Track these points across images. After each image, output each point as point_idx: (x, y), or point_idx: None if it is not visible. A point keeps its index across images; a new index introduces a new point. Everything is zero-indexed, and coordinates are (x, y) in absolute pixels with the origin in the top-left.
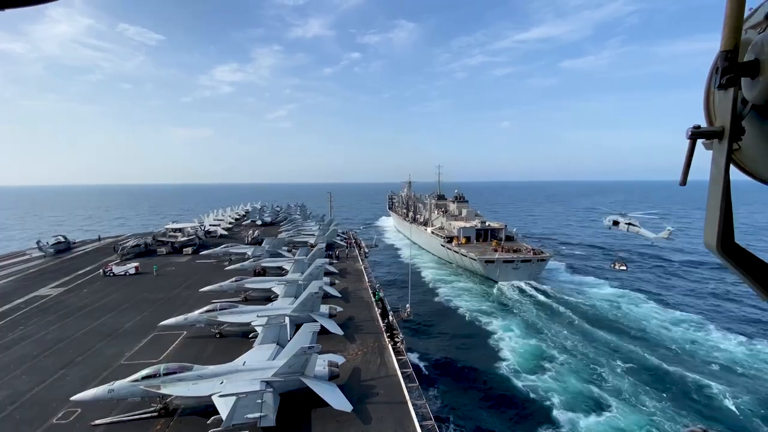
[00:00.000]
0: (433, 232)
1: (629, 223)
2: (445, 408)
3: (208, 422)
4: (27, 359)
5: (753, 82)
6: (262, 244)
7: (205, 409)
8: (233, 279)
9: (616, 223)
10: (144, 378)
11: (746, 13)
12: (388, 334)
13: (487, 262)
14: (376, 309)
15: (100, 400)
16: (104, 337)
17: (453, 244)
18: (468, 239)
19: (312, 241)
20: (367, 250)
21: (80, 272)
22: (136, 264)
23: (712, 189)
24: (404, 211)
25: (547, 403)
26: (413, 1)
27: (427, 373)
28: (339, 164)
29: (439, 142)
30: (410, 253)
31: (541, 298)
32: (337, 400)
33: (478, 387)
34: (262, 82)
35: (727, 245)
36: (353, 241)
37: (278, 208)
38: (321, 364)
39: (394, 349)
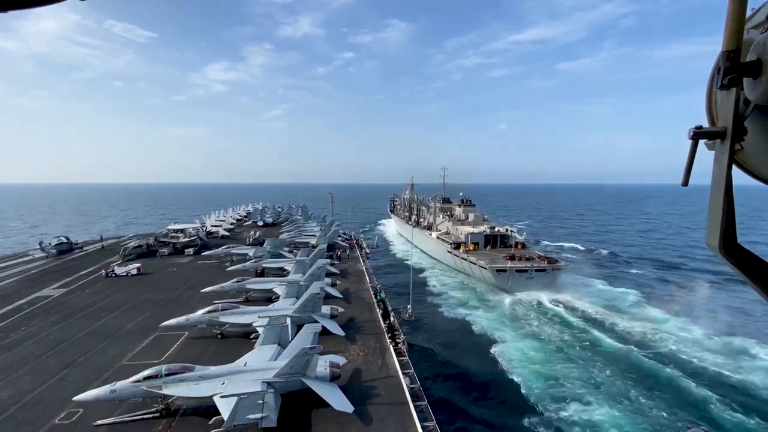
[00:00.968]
0: (438, 237)
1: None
2: (447, 409)
3: (210, 423)
4: (29, 360)
5: (755, 82)
6: (264, 245)
7: (206, 409)
8: (235, 280)
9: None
10: (146, 378)
11: (748, 13)
12: (390, 335)
13: (499, 271)
14: (378, 310)
15: (102, 400)
16: (106, 337)
17: (461, 250)
18: (476, 245)
19: (313, 241)
20: (368, 251)
21: (82, 273)
22: (138, 265)
23: (714, 190)
24: (407, 214)
25: (552, 410)
26: (404, 1)
27: (428, 374)
28: (338, 165)
29: (437, 144)
30: (411, 254)
31: (558, 309)
32: (338, 400)
33: (480, 388)
34: (255, 81)
35: (730, 246)
36: (354, 241)
37: (280, 209)
38: (322, 364)
39: (395, 350)
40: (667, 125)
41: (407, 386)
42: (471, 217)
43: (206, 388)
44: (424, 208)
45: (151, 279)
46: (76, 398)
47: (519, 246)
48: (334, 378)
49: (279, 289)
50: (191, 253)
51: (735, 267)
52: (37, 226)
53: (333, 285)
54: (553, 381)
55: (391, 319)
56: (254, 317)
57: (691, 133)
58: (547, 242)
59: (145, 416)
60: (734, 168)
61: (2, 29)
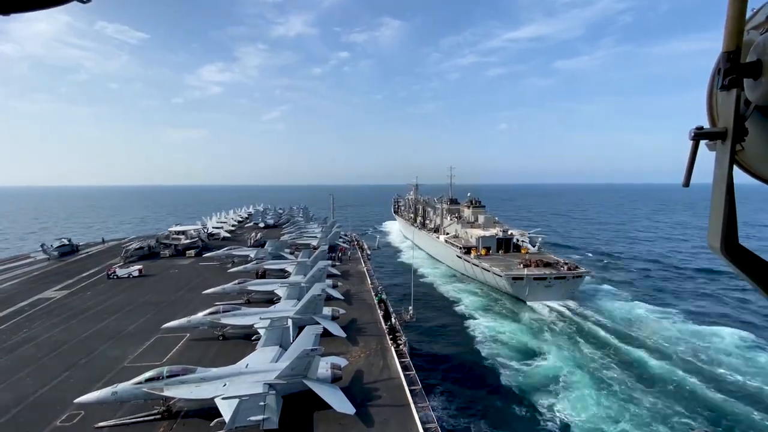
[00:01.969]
0: (446, 241)
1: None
2: (448, 411)
3: (211, 425)
4: (31, 362)
5: (756, 83)
6: (265, 247)
7: (208, 411)
8: (236, 281)
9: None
10: (147, 380)
11: (748, 14)
12: (391, 336)
13: (515, 279)
14: (379, 311)
15: (103, 402)
16: (107, 339)
17: (471, 255)
18: (488, 250)
19: (314, 243)
20: (369, 252)
21: (84, 275)
22: (139, 266)
23: (716, 190)
24: (411, 215)
25: (554, 407)
26: None
27: (430, 375)
28: (339, 166)
29: (438, 144)
30: (413, 254)
31: (578, 320)
32: (339, 402)
33: (482, 391)
34: (251, 82)
35: (731, 247)
36: (356, 243)
37: (281, 211)
38: (324, 366)
39: (396, 351)
40: (676, 122)
41: (408, 388)
42: (481, 219)
43: (208, 389)
44: (430, 209)
45: (152, 281)
46: (77, 400)
47: (527, 250)
48: (335, 379)
49: (280, 291)
50: (192, 255)
51: (736, 267)
52: (47, 228)
53: (334, 286)
54: (562, 388)
55: (393, 320)
56: (255, 319)
57: (692, 134)
58: (564, 247)
59: (146, 418)
60: (735, 169)
61: None
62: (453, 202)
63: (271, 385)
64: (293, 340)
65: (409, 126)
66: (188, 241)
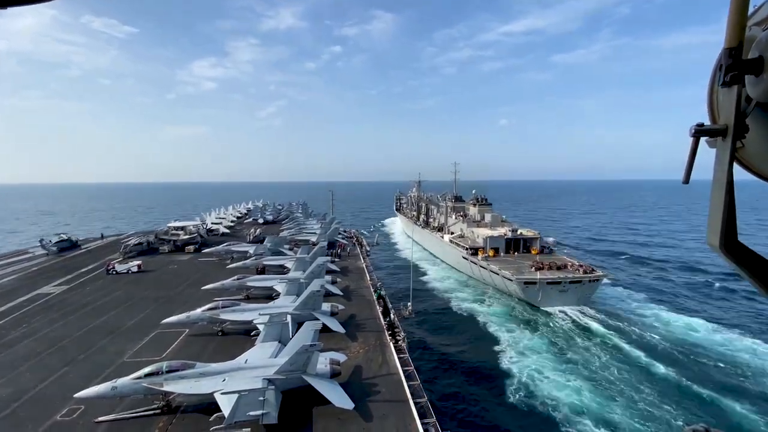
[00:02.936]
0: (451, 241)
1: None
2: (447, 406)
3: (211, 419)
4: (30, 357)
5: (757, 79)
6: (264, 243)
7: (207, 406)
8: (235, 277)
9: None
10: (146, 375)
11: (750, 10)
12: (390, 332)
13: (528, 283)
14: (378, 307)
15: (103, 397)
16: (107, 334)
17: (479, 257)
18: (496, 251)
19: (314, 239)
20: (368, 248)
21: (83, 270)
22: (138, 262)
23: (716, 187)
24: (414, 213)
25: (554, 407)
26: None
27: (428, 371)
28: (337, 162)
29: (438, 140)
30: (412, 251)
31: (597, 327)
32: (338, 397)
33: (481, 386)
34: (245, 77)
35: (731, 244)
36: (355, 239)
37: (280, 207)
38: (323, 362)
39: (395, 347)
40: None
41: (407, 383)
42: (488, 217)
43: (207, 385)
44: (433, 207)
45: (151, 276)
46: (77, 395)
47: (537, 251)
48: (334, 375)
49: (279, 287)
50: (192, 251)
51: (736, 264)
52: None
53: (333, 282)
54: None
55: (392, 316)
56: (255, 314)
57: (693, 131)
58: (578, 248)
59: (145, 413)
60: (735, 166)
61: None
62: (458, 199)
63: (270, 381)
64: (292, 336)
65: (408, 122)
66: (187, 236)
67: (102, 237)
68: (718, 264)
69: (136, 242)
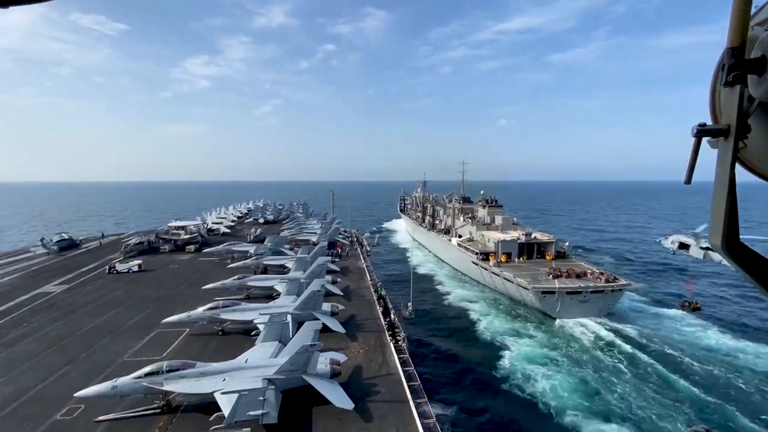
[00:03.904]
0: (460, 245)
1: (706, 247)
2: (447, 406)
3: (211, 419)
4: (31, 356)
5: (760, 79)
6: (265, 242)
7: (207, 405)
8: (236, 277)
9: (684, 246)
10: (147, 375)
11: (753, 10)
12: (390, 332)
13: (545, 293)
14: (378, 307)
15: (103, 396)
16: (107, 334)
17: (490, 262)
18: (508, 256)
19: (314, 239)
20: (368, 249)
21: (83, 269)
22: (139, 261)
23: (718, 188)
24: (419, 214)
25: (555, 409)
26: None
27: (429, 371)
28: (337, 162)
29: (437, 140)
30: (411, 249)
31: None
32: (338, 397)
33: (481, 386)
34: (239, 75)
35: (732, 244)
36: (355, 239)
37: (280, 206)
38: (323, 362)
39: (395, 347)
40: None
41: (407, 383)
42: (498, 220)
43: (207, 384)
44: (440, 208)
45: (152, 276)
46: (77, 394)
47: (559, 256)
48: (334, 375)
49: (280, 287)
50: (192, 250)
51: (738, 265)
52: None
53: (334, 282)
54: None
55: (392, 316)
56: (255, 314)
57: (695, 131)
58: (592, 252)
59: (146, 412)
60: (737, 166)
61: None
62: (466, 200)
63: (270, 380)
64: (293, 336)
65: (407, 122)
66: (188, 236)
67: (103, 236)
68: None
69: (137, 242)
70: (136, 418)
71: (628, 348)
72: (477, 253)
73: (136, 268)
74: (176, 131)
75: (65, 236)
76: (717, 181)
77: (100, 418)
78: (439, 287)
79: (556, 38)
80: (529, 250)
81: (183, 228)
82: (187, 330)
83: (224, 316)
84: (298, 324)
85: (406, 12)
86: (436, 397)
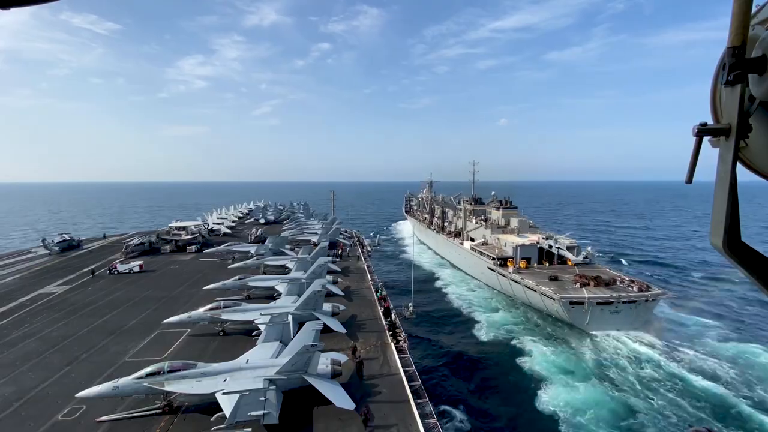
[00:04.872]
0: (473, 249)
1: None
2: (448, 407)
3: (212, 419)
4: (32, 356)
5: (760, 78)
6: (265, 243)
7: (208, 406)
8: (236, 277)
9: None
10: (148, 375)
11: (753, 9)
12: (391, 332)
13: (574, 303)
14: (379, 308)
15: (104, 396)
16: (109, 334)
17: (509, 269)
18: (527, 261)
19: (315, 239)
20: (369, 249)
21: (85, 270)
22: (140, 262)
23: (719, 187)
24: (425, 216)
25: (560, 411)
26: None
27: (429, 371)
28: (341, 162)
29: (437, 140)
30: (413, 248)
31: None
32: (339, 398)
33: (481, 386)
34: (235, 75)
35: (734, 244)
36: (356, 239)
37: (281, 207)
38: (324, 362)
39: (396, 347)
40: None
41: (408, 383)
42: (514, 222)
43: (208, 385)
44: (449, 210)
45: (153, 276)
46: (79, 395)
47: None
48: (335, 375)
49: (281, 287)
50: (193, 251)
51: (739, 265)
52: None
53: (334, 283)
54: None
55: (393, 316)
56: (256, 315)
57: (696, 130)
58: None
59: (147, 413)
60: (739, 166)
61: None
62: (477, 202)
63: (271, 381)
64: (293, 336)
65: (406, 121)
66: (189, 236)
67: (104, 237)
68: None
69: (138, 242)
70: (138, 418)
71: (664, 363)
72: (493, 259)
73: (137, 269)
74: (175, 132)
75: (66, 237)
76: (718, 181)
77: (102, 418)
78: (440, 287)
79: (554, 36)
80: (549, 255)
81: (184, 228)
82: (188, 330)
83: (225, 316)
84: (299, 324)
85: (399, 8)
86: (438, 397)
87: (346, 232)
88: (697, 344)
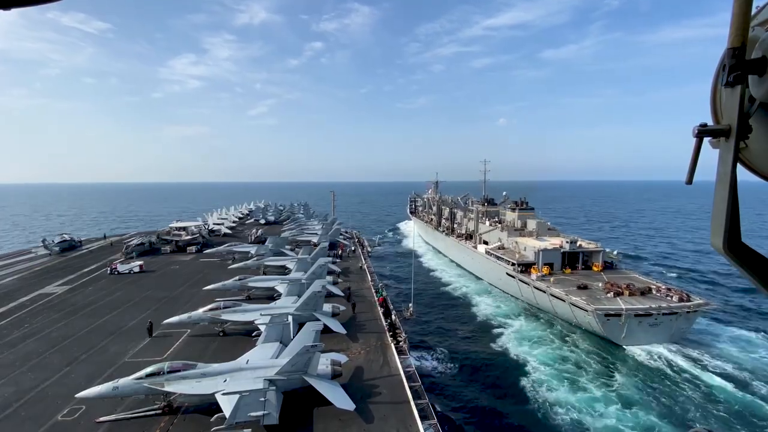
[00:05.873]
0: (489, 253)
1: None
2: (448, 408)
3: (212, 420)
4: (32, 356)
5: (760, 79)
6: (266, 243)
7: (208, 406)
8: (237, 278)
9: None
10: (148, 376)
11: (753, 11)
12: (391, 333)
13: (609, 315)
14: (379, 308)
15: (104, 397)
16: (109, 334)
17: (532, 276)
18: (550, 267)
19: (315, 240)
20: (369, 250)
21: (85, 270)
22: (140, 262)
23: (719, 188)
24: (432, 217)
25: (559, 410)
26: None
27: (430, 372)
28: (341, 163)
29: (437, 141)
30: (413, 250)
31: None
32: (339, 398)
33: (482, 387)
34: (229, 75)
35: (734, 245)
36: (356, 240)
37: (281, 207)
38: (324, 362)
39: (396, 348)
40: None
41: (408, 384)
42: (532, 225)
43: (208, 385)
44: (458, 211)
45: (153, 276)
46: (78, 395)
47: (607, 267)
48: (335, 376)
49: (281, 287)
50: (193, 251)
51: (739, 266)
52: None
53: (334, 283)
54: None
55: (393, 317)
56: (256, 315)
57: (696, 131)
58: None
59: (147, 413)
60: (739, 167)
61: None
62: (489, 202)
63: (271, 381)
64: (293, 337)
65: (406, 121)
66: (189, 237)
67: (105, 237)
68: None
69: (138, 242)
70: (137, 419)
71: (709, 379)
72: (513, 264)
73: (137, 269)
74: (173, 133)
75: (66, 237)
76: (718, 182)
77: (102, 419)
78: (440, 288)
79: (549, 33)
80: (572, 259)
81: (184, 229)
82: (188, 331)
83: (225, 316)
84: (299, 325)
85: (390, 6)
86: (438, 398)
87: (346, 232)
88: (745, 360)
